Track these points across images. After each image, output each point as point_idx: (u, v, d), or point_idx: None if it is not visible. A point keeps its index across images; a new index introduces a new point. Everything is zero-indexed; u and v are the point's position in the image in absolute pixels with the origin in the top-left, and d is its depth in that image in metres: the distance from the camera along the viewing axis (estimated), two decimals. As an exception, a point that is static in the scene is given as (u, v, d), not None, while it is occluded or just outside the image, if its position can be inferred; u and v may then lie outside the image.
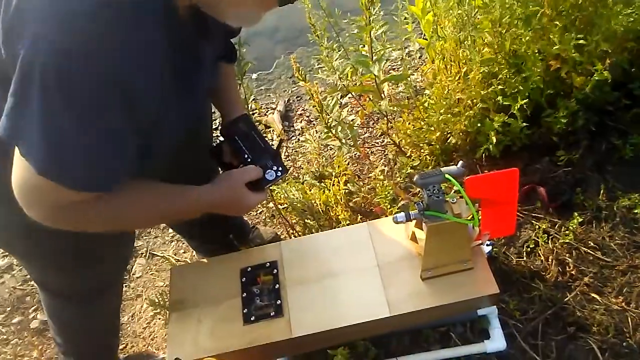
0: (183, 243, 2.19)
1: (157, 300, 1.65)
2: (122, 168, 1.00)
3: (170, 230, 2.23)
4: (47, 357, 1.95)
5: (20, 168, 0.94)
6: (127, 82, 0.90)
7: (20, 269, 2.26)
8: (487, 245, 1.53)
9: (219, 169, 1.45)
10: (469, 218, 1.31)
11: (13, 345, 2.02)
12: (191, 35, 1.05)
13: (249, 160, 1.32)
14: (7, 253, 2.21)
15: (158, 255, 2.21)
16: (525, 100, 1.67)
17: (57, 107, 0.87)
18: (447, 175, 1.28)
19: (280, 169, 1.32)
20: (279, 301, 1.42)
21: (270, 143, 1.39)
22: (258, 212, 2.24)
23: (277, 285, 1.45)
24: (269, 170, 1.31)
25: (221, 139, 1.41)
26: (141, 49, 0.91)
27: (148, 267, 2.19)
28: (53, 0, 0.86)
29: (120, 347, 1.88)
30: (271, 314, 1.40)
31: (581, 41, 1.63)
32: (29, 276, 2.13)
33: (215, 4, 0.98)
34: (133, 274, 2.17)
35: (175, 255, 2.18)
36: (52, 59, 0.84)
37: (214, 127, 1.83)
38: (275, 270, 1.48)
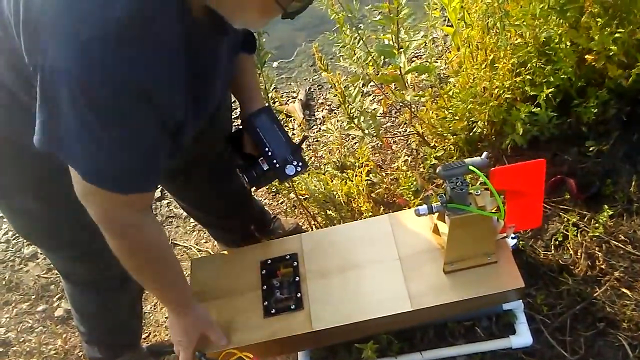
0: (204, 233, 2.19)
1: (177, 291, 1.65)
2: (157, 168, 1.06)
3: (192, 220, 2.23)
4: (71, 345, 1.97)
5: (74, 173, 1.00)
6: (150, 91, 0.93)
7: (44, 258, 2.29)
8: (512, 238, 1.49)
9: (233, 156, 1.43)
10: (494, 210, 1.27)
11: (37, 334, 2.04)
12: (208, 33, 1.05)
13: (269, 152, 1.31)
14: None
15: (180, 245, 2.21)
16: (551, 90, 1.62)
17: (89, 118, 0.92)
18: (471, 167, 1.24)
19: (300, 164, 1.32)
20: (299, 294, 1.41)
21: (292, 136, 1.37)
22: (279, 202, 2.22)
23: (297, 277, 1.44)
24: (289, 165, 1.31)
25: (240, 127, 1.40)
26: (161, 60, 0.94)
27: (170, 257, 2.19)
28: (69, 9, 0.87)
29: (143, 336, 1.89)
30: (291, 307, 1.39)
31: (617, 34, 1.57)
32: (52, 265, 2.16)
33: (224, 7, 0.98)
34: (155, 264, 2.17)
35: (197, 245, 2.19)
36: (73, 70, 0.87)
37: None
38: (295, 263, 1.47)
